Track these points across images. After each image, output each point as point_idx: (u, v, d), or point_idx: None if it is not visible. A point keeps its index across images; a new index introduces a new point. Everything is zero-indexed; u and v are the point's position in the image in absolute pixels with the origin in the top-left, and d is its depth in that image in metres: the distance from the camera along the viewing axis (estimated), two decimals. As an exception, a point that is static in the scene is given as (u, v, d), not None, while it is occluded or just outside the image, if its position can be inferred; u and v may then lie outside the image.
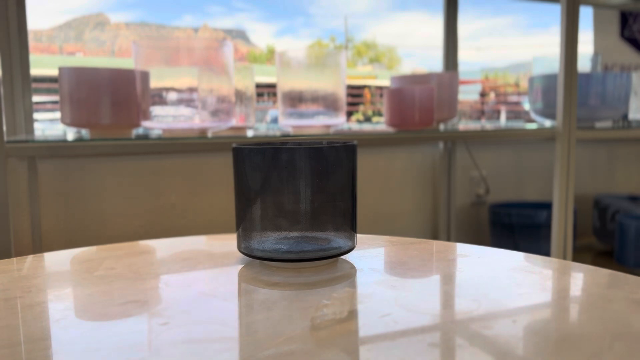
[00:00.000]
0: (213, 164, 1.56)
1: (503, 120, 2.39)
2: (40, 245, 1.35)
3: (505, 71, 2.49)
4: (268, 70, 2.17)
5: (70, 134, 1.38)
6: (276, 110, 1.46)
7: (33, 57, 1.37)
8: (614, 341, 0.39)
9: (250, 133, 1.46)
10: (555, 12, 1.79)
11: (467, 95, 2.39)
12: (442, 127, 1.73)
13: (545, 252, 1.74)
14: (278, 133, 1.50)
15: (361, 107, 2.26)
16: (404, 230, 1.89)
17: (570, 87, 1.57)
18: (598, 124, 1.90)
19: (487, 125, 2.19)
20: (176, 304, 0.48)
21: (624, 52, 2.33)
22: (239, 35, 2.19)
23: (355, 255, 0.63)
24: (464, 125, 2.12)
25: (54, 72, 1.28)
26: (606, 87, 1.71)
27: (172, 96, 1.25)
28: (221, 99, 1.27)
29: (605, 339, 0.39)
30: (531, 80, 1.83)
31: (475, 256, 0.63)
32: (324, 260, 0.58)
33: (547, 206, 1.90)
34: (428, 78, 1.61)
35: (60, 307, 0.48)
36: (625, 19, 2.31)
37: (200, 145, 1.20)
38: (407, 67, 2.59)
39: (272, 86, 1.79)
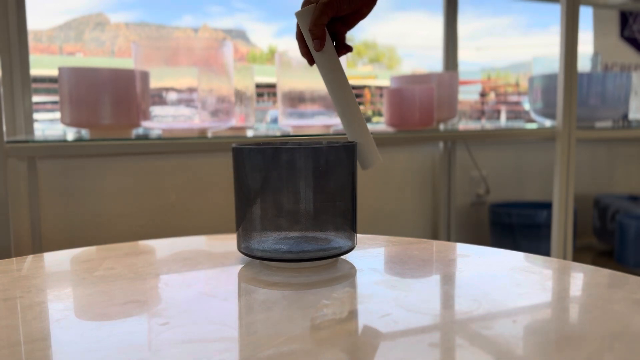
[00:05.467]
0: (213, 164, 1.56)
1: (503, 120, 2.39)
2: (40, 245, 1.35)
3: (505, 71, 2.49)
4: (268, 70, 2.17)
5: (70, 134, 1.38)
6: (276, 110, 1.46)
7: (33, 57, 1.37)
8: (614, 341, 0.39)
9: (250, 133, 1.46)
10: (555, 12, 1.79)
11: (467, 95, 2.39)
12: (442, 127, 1.73)
13: (545, 252, 1.74)
14: (278, 133, 1.50)
15: (361, 107, 2.26)
16: (404, 230, 1.89)
17: (570, 87, 1.57)
18: (598, 124, 1.90)
19: (487, 125, 2.19)
20: (176, 304, 0.48)
21: (624, 52, 2.33)
22: (239, 35, 2.19)
23: (355, 255, 0.63)
24: (464, 125, 2.12)
25: (54, 72, 1.28)
26: (606, 87, 1.71)
27: (172, 96, 1.25)
28: (221, 99, 1.26)
29: (605, 339, 0.39)
30: (531, 80, 1.83)
31: (475, 256, 0.63)
32: (324, 260, 0.58)
33: (547, 206, 1.90)
34: (428, 78, 1.61)
35: (60, 307, 0.48)
36: (625, 19, 2.31)
37: (200, 145, 1.20)
38: (407, 67, 2.59)
39: (272, 86, 1.79)
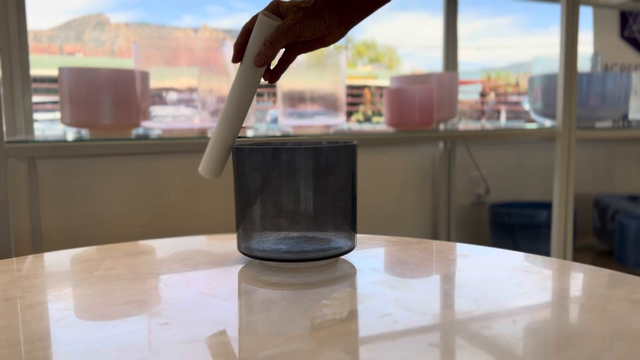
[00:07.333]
0: (213, 164, 1.56)
1: (503, 120, 2.39)
2: (40, 245, 1.35)
3: (505, 71, 2.49)
4: (268, 70, 2.16)
5: (70, 134, 1.38)
6: (276, 110, 1.46)
7: (33, 58, 1.37)
8: (614, 341, 0.39)
9: (250, 133, 1.46)
10: (555, 12, 1.79)
11: (467, 95, 2.38)
12: (442, 127, 1.73)
13: (545, 252, 1.74)
14: (278, 133, 1.50)
15: (361, 107, 2.26)
16: (404, 230, 1.89)
17: (570, 87, 1.57)
18: (598, 124, 1.89)
19: (487, 125, 2.19)
20: (176, 304, 0.48)
21: (624, 52, 2.33)
22: (239, 35, 2.19)
23: (355, 255, 0.63)
24: (464, 125, 2.12)
25: (54, 72, 1.28)
26: (606, 87, 1.71)
27: (172, 96, 1.25)
28: (221, 99, 1.26)
29: (605, 339, 0.39)
30: (531, 80, 1.83)
31: (475, 256, 0.63)
32: (324, 260, 0.58)
33: (547, 206, 1.90)
34: (428, 78, 1.61)
35: (60, 307, 0.48)
36: (625, 19, 2.31)
37: (200, 145, 1.20)
38: (407, 67, 2.59)
39: (272, 86, 1.79)
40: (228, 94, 0.62)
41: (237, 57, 0.62)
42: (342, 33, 0.64)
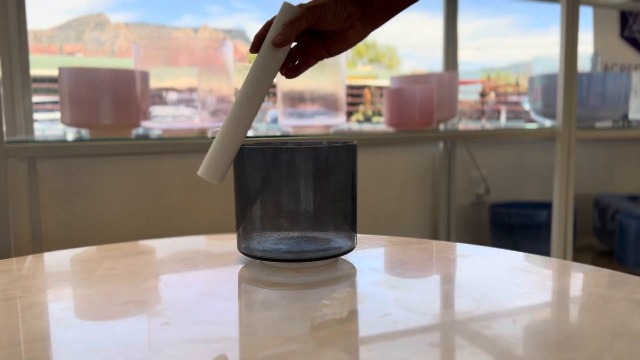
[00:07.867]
0: (213, 164, 1.55)
1: (503, 120, 2.39)
2: (40, 245, 1.35)
3: (505, 71, 2.49)
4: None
5: (70, 134, 1.38)
6: (276, 110, 1.46)
7: (33, 57, 1.37)
8: (614, 341, 0.39)
9: (250, 133, 1.46)
10: (555, 12, 1.79)
11: (467, 95, 2.38)
12: (442, 127, 1.73)
13: (545, 252, 1.74)
14: (278, 133, 1.50)
15: (361, 107, 2.26)
16: (404, 230, 1.89)
17: (570, 87, 1.57)
18: (598, 124, 1.89)
19: (487, 125, 2.19)
20: (176, 304, 0.48)
21: (624, 52, 2.33)
22: (239, 35, 2.19)
23: (355, 255, 0.63)
24: (464, 125, 2.11)
25: (54, 72, 1.28)
26: (606, 87, 1.71)
27: (172, 96, 1.25)
28: (221, 99, 1.26)
29: (605, 339, 0.39)
30: (531, 80, 1.83)
31: (475, 256, 0.63)
32: (324, 260, 0.58)
33: (547, 206, 1.90)
34: (428, 78, 1.61)
35: (60, 307, 0.48)
36: (625, 18, 2.31)
37: (200, 145, 1.20)
38: (407, 67, 2.59)
39: (272, 86, 1.79)
40: (241, 86, 0.59)
41: (255, 47, 0.60)
42: (365, 29, 0.63)
